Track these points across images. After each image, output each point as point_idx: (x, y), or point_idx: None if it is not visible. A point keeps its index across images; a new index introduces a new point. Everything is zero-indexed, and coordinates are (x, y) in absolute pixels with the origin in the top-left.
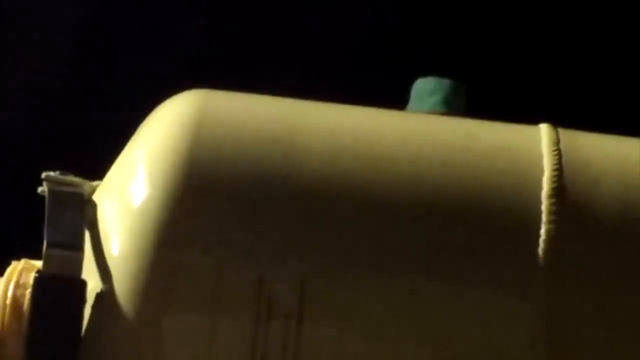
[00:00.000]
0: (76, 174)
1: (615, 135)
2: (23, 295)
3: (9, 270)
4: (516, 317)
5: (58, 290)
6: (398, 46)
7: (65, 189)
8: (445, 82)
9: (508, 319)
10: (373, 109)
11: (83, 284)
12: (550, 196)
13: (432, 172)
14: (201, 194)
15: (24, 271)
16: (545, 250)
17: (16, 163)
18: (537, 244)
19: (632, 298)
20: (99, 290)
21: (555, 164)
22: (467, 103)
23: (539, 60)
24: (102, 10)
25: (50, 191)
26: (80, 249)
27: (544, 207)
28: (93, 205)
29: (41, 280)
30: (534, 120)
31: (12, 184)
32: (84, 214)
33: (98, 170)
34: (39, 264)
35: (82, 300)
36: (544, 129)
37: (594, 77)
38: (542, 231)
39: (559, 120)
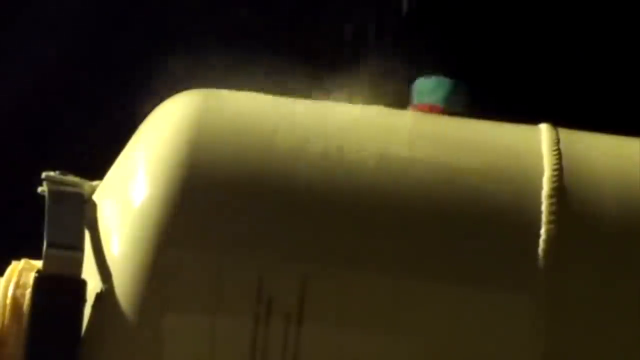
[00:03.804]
0: (76, 174)
1: (615, 135)
2: (23, 295)
3: (9, 270)
4: (516, 317)
5: (58, 290)
6: (398, 46)
7: (65, 189)
8: (446, 81)
9: (508, 319)
10: (374, 108)
11: (83, 284)
12: (550, 196)
13: (431, 172)
14: (201, 194)
15: (24, 271)
16: (545, 250)
17: (16, 163)
18: (537, 244)
19: (632, 298)
20: (99, 290)
21: (555, 164)
22: (467, 102)
23: (539, 60)
24: (102, 10)
25: (50, 191)
26: (80, 249)
27: (544, 207)
28: (93, 205)
29: (41, 280)
30: (534, 120)
31: (12, 184)
32: (84, 214)
33: (98, 170)
34: (39, 264)
35: (82, 300)
36: (544, 129)
37: (594, 77)
38: (542, 231)
39: (559, 120)
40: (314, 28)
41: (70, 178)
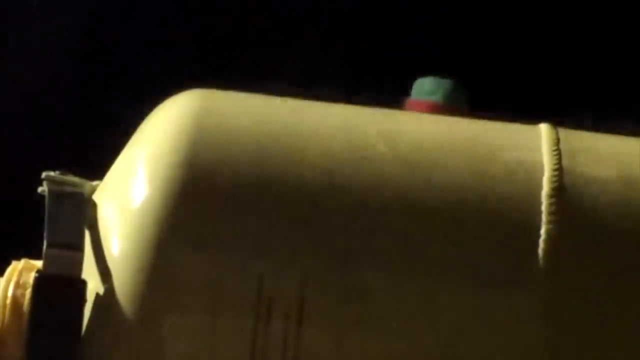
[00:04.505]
0: (76, 174)
1: (615, 135)
2: (23, 295)
3: (9, 270)
4: (516, 317)
5: (58, 290)
6: (398, 46)
7: (65, 189)
8: (445, 82)
9: (508, 319)
10: (374, 109)
11: (83, 284)
12: (550, 196)
13: (431, 172)
14: (201, 194)
15: (24, 271)
16: (545, 250)
17: (16, 163)
18: (537, 244)
19: (632, 298)
20: (99, 290)
21: (555, 164)
22: (467, 102)
23: (539, 60)
24: (102, 10)
25: (50, 191)
26: (80, 249)
27: (544, 207)
28: (93, 205)
29: (41, 280)
30: (534, 120)
31: (12, 184)
32: (84, 214)
33: (98, 170)
34: (39, 264)
35: (82, 300)
36: (544, 128)
37: (594, 77)
38: (542, 231)
39: (559, 120)
40: (311, 27)
41: (71, 178)
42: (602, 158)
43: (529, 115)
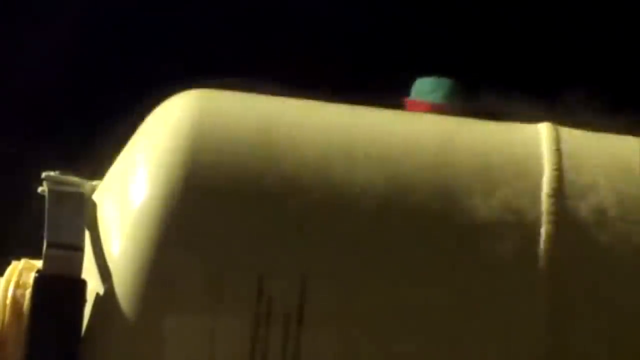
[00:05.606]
0: (76, 174)
1: (615, 134)
2: (23, 295)
3: (9, 270)
4: (516, 318)
5: (58, 290)
6: (398, 46)
7: (65, 188)
8: (445, 81)
9: (508, 320)
10: (373, 109)
11: (83, 284)
12: (550, 196)
13: (431, 172)
14: (201, 193)
15: (24, 271)
16: (545, 250)
17: (16, 163)
18: (537, 244)
19: (632, 297)
20: (99, 290)
21: (555, 164)
22: (466, 102)
23: (538, 59)
24: (103, 10)
25: (50, 191)
26: (80, 249)
27: (544, 207)
28: (93, 205)
29: (41, 280)
30: (534, 119)
31: (12, 184)
32: (84, 214)
33: (98, 170)
34: (39, 264)
35: (82, 300)
36: (544, 128)
37: (593, 77)
38: (542, 231)
39: (558, 120)
40: (312, 28)
41: (70, 178)
42: (602, 157)
43: (529, 114)
